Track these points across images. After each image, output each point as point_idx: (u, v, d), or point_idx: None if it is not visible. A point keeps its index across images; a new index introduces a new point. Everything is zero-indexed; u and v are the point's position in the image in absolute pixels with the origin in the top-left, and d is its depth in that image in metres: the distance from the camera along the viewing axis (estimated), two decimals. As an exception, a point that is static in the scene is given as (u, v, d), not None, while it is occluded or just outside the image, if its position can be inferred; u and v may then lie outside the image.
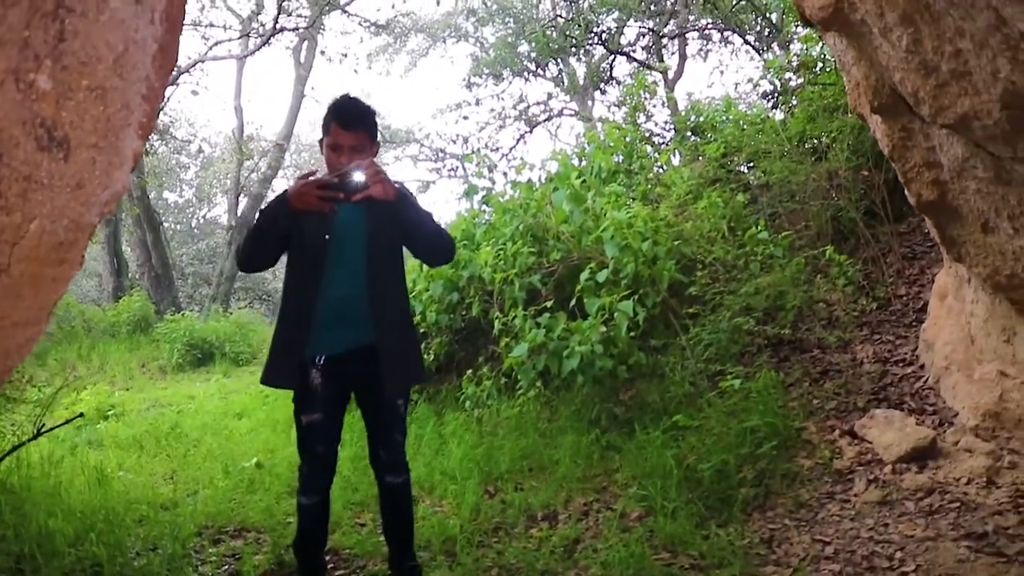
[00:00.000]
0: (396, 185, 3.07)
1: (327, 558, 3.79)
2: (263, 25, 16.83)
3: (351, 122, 3.11)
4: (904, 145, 3.65)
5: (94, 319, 14.79)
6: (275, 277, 26.02)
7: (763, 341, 5.46)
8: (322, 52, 20.08)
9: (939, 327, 5.14)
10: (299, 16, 17.08)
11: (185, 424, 7.39)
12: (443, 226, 3.42)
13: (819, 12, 3.10)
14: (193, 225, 27.48)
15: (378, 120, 3.31)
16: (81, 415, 5.28)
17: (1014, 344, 4.28)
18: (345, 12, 19.49)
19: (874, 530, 3.68)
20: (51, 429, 4.04)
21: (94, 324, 14.48)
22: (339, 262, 3.12)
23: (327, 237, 3.09)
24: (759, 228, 5.74)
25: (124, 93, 1.58)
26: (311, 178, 2.97)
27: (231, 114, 20.26)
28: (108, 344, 13.42)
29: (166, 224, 20.15)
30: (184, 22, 1.93)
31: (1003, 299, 4.08)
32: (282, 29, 16.44)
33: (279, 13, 15.75)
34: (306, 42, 19.90)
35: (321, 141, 3.23)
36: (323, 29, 18.79)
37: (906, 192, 3.98)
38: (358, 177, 2.90)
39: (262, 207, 3.30)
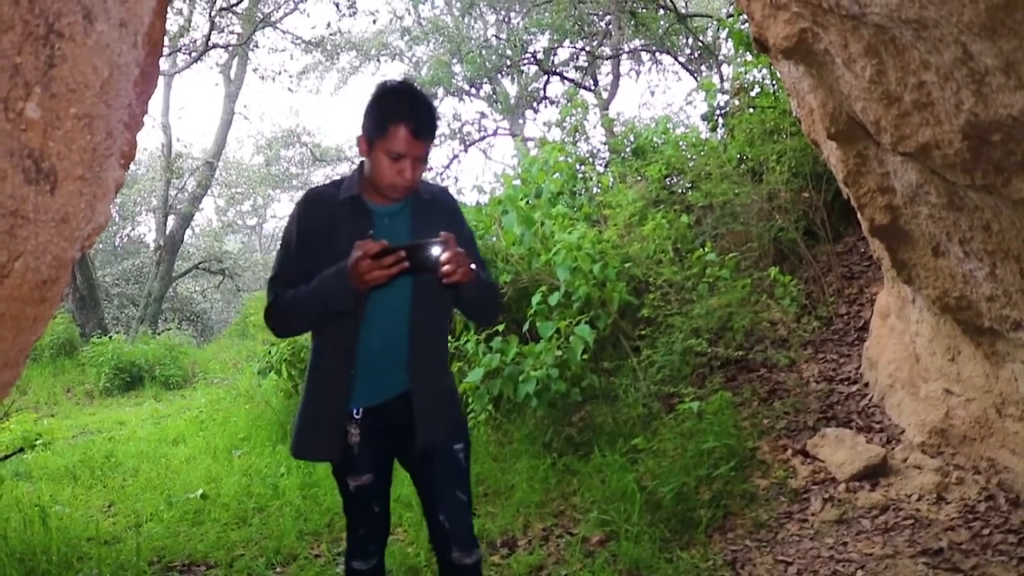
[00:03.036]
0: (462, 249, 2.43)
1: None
2: (194, 41, 16.49)
3: (426, 129, 2.43)
4: (859, 171, 3.73)
5: (14, 343, 14.15)
6: (204, 298, 25.48)
7: (714, 362, 5.51)
8: (254, 70, 19.74)
9: (882, 346, 5.26)
10: (231, 33, 16.80)
11: (119, 452, 7.11)
12: (490, 276, 2.92)
13: (783, 41, 3.15)
14: (117, 244, 26.70)
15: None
16: (21, 450, 5.02)
17: (959, 363, 4.39)
18: (277, 29, 19.24)
19: (834, 549, 3.73)
20: (-10, 465, 3.83)
21: (14, 348, 13.87)
22: (381, 303, 2.56)
23: None
24: (706, 250, 5.80)
25: (108, 121, 1.50)
26: (372, 249, 2.29)
27: (158, 131, 19.74)
28: (31, 368, 12.88)
29: (89, 243, 19.44)
30: (163, 44, 1.85)
31: (948, 319, 4.18)
32: (214, 46, 16.13)
33: (211, 30, 15.44)
34: (236, 59, 19.57)
35: (365, 141, 2.50)
36: (255, 46, 18.51)
37: (859, 216, 4.06)
38: (435, 252, 2.29)
39: (316, 282, 2.47)
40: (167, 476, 6.10)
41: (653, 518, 4.00)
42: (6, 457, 4.25)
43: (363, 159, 2.59)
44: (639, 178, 8.10)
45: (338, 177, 2.78)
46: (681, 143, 8.27)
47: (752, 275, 6.03)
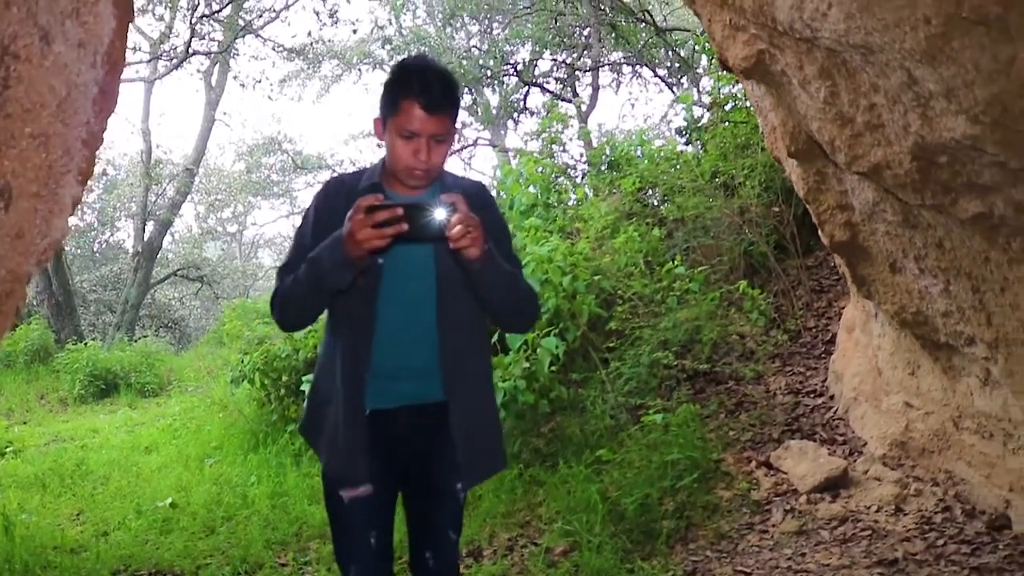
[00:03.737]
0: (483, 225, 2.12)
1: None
2: (175, 48, 16.50)
3: (439, 103, 2.15)
4: (818, 188, 3.82)
5: (-12, 349, 14.13)
6: (182, 305, 25.39)
7: (681, 374, 5.59)
8: (235, 77, 19.75)
9: (847, 359, 5.36)
10: (212, 40, 16.83)
11: (91, 460, 7.09)
12: (527, 279, 2.55)
13: (742, 62, 3.23)
14: (95, 250, 26.55)
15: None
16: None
17: (918, 377, 4.49)
18: (259, 36, 19.27)
19: (792, 559, 3.79)
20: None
21: (-12, 354, 13.84)
22: (398, 291, 2.29)
23: (380, 261, 2.24)
24: (675, 263, 5.88)
25: (66, 139, 1.55)
26: (366, 204, 2.00)
27: (138, 137, 19.73)
28: (3, 375, 12.81)
29: (67, 248, 19.41)
30: (124, 63, 1.90)
31: (908, 334, 4.28)
32: (195, 53, 16.15)
33: (192, 37, 15.46)
34: (218, 65, 19.58)
35: (381, 122, 2.26)
36: (236, 54, 18.54)
37: (820, 232, 4.15)
38: (439, 216, 1.99)
39: (310, 254, 2.21)
40: (138, 484, 6.11)
41: (616, 529, 4.05)
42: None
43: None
44: (614, 191, 8.19)
45: (356, 169, 2.59)
46: (657, 156, 8.38)
47: (721, 288, 6.12)
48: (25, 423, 10.11)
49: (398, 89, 2.17)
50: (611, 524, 4.09)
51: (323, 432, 2.36)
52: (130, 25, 2.10)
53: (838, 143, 3.02)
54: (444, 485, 2.37)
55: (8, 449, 7.67)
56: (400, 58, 2.25)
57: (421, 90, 2.13)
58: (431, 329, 2.29)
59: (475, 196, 2.31)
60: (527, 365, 5.05)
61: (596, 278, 5.76)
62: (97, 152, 1.77)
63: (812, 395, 5.59)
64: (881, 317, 4.62)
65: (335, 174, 2.57)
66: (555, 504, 4.47)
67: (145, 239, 19.60)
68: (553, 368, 5.25)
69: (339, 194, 2.31)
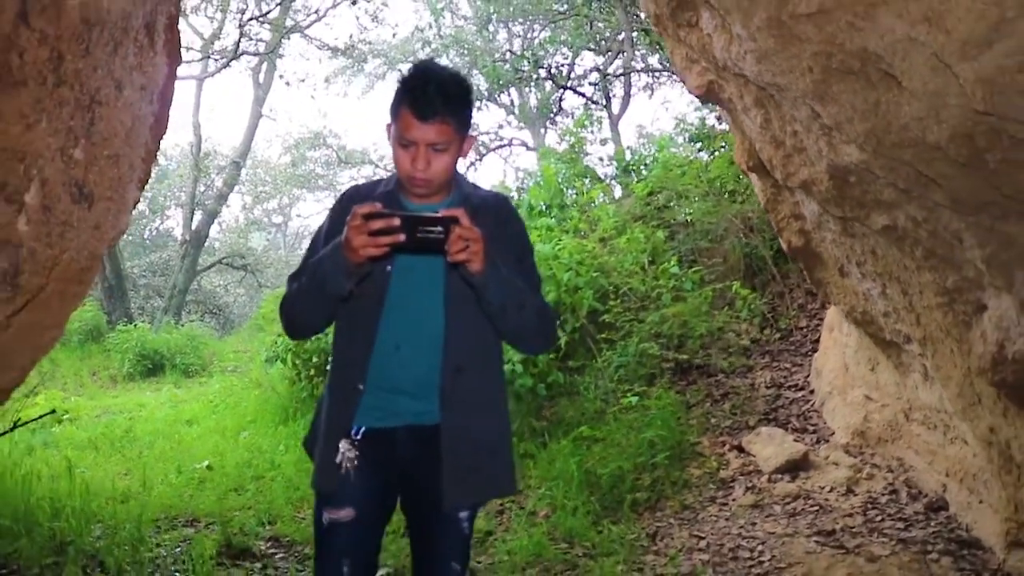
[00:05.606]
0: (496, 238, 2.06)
1: (268, 544, 4.31)
2: (225, 48, 17.34)
3: (433, 111, 2.03)
4: (775, 199, 4.31)
5: (45, 327, 14.90)
6: (227, 292, 26.28)
7: (671, 365, 6.09)
8: (280, 76, 20.55)
9: (827, 356, 5.82)
10: (259, 41, 17.65)
11: (137, 429, 7.81)
12: (542, 297, 2.37)
13: (696, 89, 3.75)
14: (146, 236, 27.60)
15: (461, 109, 2.13)
16: (53, 411, 5.70)
17: (877, 372, 4.95)
18: (305, 36, 20.05)
19: (743, 528, 4.29)
20: (27, 423, 4.50)
21: (45, 332, 14.62)
22: (406, 300, 2.19)
23: (388, 268, 2.16)
24: (671, 263, 6.39)
25: (130, 157, 2.14)
26: (363, 211, 1.91)
27: (188, 130, 20.60)
28: (59, 351, 13.63)
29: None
30: (173, 95, 2.48)
31: (864, 332, 4.74)
32: (243, 53, 16.96)
33: (240, 38, 16.28)
34: (265, 64, 20.39)
35: (389, 127, 2.18)
36: (282, 54, 19.33)
37: (779, 239, 4.64)
38: (438, 229, 1.90)
39: (314, 258, 2.18)
40: (179, 450, 6.78)
41: (590, 496, 4.59)
42: (39, 417, 4.92)
43: None
44: (629, 194, 8.71)
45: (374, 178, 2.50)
46: (671, 163, 8.87)
47: (715, 288, 6.61)
48: (79, 396, 10.89)
49: (398, 96, 2.10)
50: (587, 492, 4.63)
51: (323, 459, 2.21)
52: (182, 24, 2.69)
53: (775, 162, 3.52)
54: (447, 512, 2.19)
55: (65, 417, 8.42)
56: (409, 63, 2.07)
57: (415, 98, 2.04)
58: (437, 342, 2.17)
59: (493, 209, 2.26)
60: (525, 351, 5.59)
61: (595, 275, 6.28)
62: (152, 164, 2.36)
63: (793, 389, 6.06)
64: (848, 317, 5.08)
65: (356, 183, 2.51)
66: (541, 474, 5.02)
67: (193, 228, 20.37)
68: (553, 356, 5.79)
69: (355, 201, 2.12)
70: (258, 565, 4.12)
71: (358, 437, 2.16)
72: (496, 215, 2.24)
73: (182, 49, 3.16)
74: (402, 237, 1.88)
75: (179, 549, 4.29)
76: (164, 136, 2.36)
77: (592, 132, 10.79)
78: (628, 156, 10.07)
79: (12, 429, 4.36)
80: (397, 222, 1.87)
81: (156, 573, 3.91)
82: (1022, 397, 3.18)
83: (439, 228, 1.88)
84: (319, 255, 2.12)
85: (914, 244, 3.28)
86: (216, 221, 23.52)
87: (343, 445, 2.15)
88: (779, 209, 4.36)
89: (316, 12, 19.35)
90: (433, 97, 2.03)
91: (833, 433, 5.38)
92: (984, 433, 3.61)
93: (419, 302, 2.18)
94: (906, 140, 2.51)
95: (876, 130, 2.63)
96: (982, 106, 2.15)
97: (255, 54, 18.13)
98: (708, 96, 3.77)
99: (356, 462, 2.15)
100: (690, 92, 3.94)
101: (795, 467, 4.90)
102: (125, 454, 6.76)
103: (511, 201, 2.41)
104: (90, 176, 1.96)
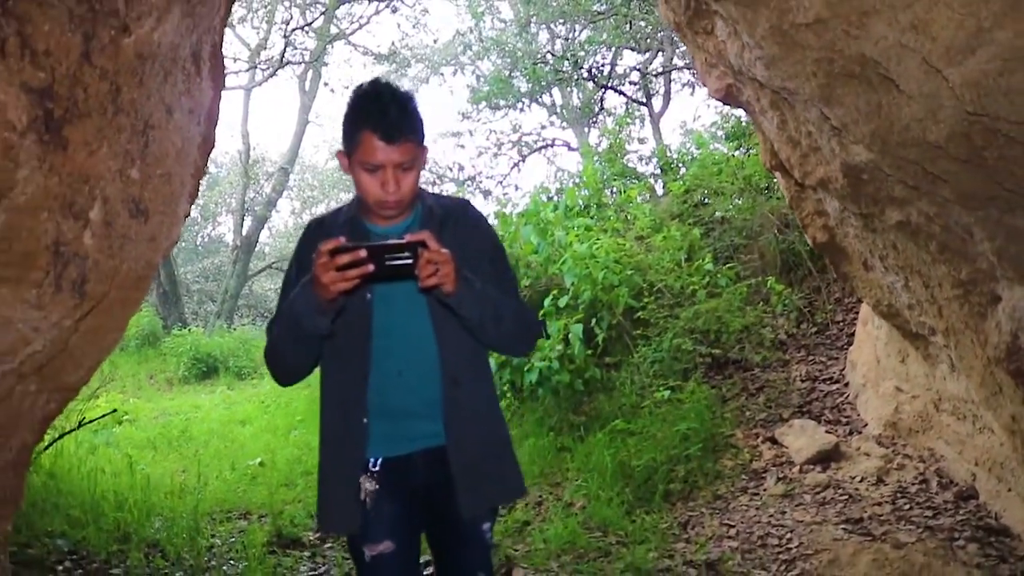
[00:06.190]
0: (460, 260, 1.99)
1: (317, 535, 4.54)
2: (271, 58, 17.79)
3: (398, 131, 2.01)
4: (799, 197, 4.42)
5: (104, 333, 15.44)
6: (277, 296, 26.72)
7: (706, 360, 6.21)
8: (325, 83, 20.95)
9: (861, 349, 5.89)
10: (304, 49, 18.08)
11: (193, 429, 8.14)
12: (521, 299, 2.39)
13: (716, 93, 3.88)
14: (198, 243, 28.26)
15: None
16: (115, 411, 6.02)
17: (907, 364, 5.02)
18: (349, 43, 20.43)
19: (773, 516, 4.41)
20: (91, 421, 4.80)
21: (104, 338, 15.15)
22: (395, 326, 2.18)
23: (368, 296, 2.15)
24: (706, 260, 6.51)
25: (181, 175, 2.36)
26: (327, 248, 1.87)
27: (238, 138, 21.09)
28: (118, 356, 14.12)
29: (173, 243, 20.82)
30: (219, 116, 2.70)
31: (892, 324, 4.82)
32: (288, 62, 17.38)
33: (286, 47, 16.71)
34: (311, 71, 20.82)
35: (343, 155, 2.13)
36: (326, 62, 19.70)
37: (805, 234, 4.74)
38: (405, 255, 1.87)
39: (286, 301, 2.16)
40: (232, 448, 7.08)
41: (623, 487, 4.74)
42: (102, 416, 5.23)
43: None
44: (668, 192, 8.82)
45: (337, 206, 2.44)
46: (708, 161, 8.96)
47: (750, 283, 6.71)
48: (137, 398, 11.30)
49: (354, 121, 2.04)
50: (621, 483, 4.78)
51: (340, 502, 2.19)
52: (228, 34, 2.91)
53: (792, 161, 3.64)
54: (468, 525, 2.23)
55: (125, 418, 8.79)
56: (359, 84, 2.09)
57: (378, 120, 1.99)
58: (434, 362, 2.17)
59: (463, 218, 2.28)
60: (562, 348, 5.77)
61: (629, 272, 6.43)
62: (200, 180, 2.58)
63: (828, 382, 6.14)
64: (878, 310, 5.16)
65: (315, 215, 2.53)
66: (578, 466, 5.18)
67: (243, 233, 20.76)
68: (591, 352, 5.96)
69: (316, 235, 2.17)
70: (307, 554, 4.36)
71: (376, 469, 2.16)
72: (463, 222, 2.26)
73: (228, 60, 3.35)
74: (371, 268, 1.85)
75: (233, 539, 4.55)
76: (211, 153, 2.57)
77: (631, 131, 10.89)
78: (668, 154, 10.17)
79: (79, 427, 4.66)
80: (363, 253, 1.84)
81: (212, 560, 4.16)
82: (1037, 386, 3.27)
83: (407, 253, 1.86)
84: (291, 297, 2.08)
85: (928, 238, 3.38)
86: (266, 226, 23.98)
87: (364, 480, 2.14)
88: (803, 206, 4.47)
89: (359, 20, 19.70)
90: (397, 118, 2.00)
91: (866, 425, 5.46)
92: (1007, 422, 3.68)
93: (407, 325, 2.17)
94: (909, 140, 2.63)
95: (880, 131, 2.74)
96: (972, 108, 2.27)
97: (300, 63, 18.55)
98: (727, 99, 3.90)
99: (375, 495, 2.14)
100: (710, 96, 4.07)
101: (826, 458, 5.00)
102: (182, 452, 7.07)
103: (473, 205, 2.41)
104: (145, 193, 2.17)
